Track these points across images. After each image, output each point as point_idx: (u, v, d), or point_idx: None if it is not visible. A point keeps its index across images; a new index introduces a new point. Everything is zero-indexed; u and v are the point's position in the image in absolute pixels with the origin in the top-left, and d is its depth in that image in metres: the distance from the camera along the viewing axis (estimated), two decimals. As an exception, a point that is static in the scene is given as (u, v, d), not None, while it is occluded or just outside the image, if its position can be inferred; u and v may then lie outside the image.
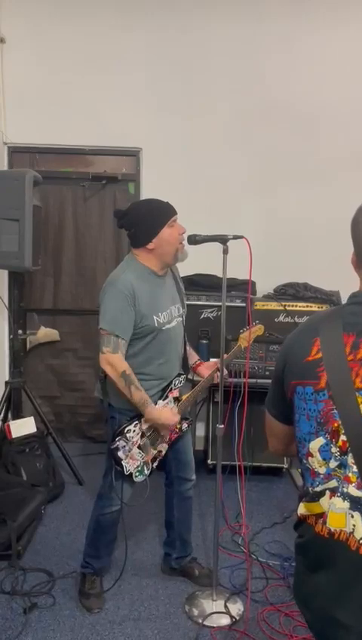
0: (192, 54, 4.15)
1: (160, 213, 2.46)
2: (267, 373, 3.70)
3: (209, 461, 3.91)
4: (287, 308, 3.70)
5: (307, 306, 3.70)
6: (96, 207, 4.44)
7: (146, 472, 2.54)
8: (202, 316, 3.81)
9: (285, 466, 3.98)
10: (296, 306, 3.72)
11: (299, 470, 1.37)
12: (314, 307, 3.69)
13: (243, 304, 3.70)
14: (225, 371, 2.67)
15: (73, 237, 4.47)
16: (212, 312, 3.80)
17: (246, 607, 2.66)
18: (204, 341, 3.74)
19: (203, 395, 4.05)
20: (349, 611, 1.19)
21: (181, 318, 2.62)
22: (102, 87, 4.17)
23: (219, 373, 2.63)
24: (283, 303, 3.71)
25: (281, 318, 3.71)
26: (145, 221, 2.45)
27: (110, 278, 2.46)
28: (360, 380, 1.18)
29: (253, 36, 4.12)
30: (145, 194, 4.15)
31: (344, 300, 1.34)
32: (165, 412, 2.51)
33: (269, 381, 1.47)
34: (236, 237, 2.47)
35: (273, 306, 3.73)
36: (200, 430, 4.20)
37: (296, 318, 3.67)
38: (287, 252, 4.09)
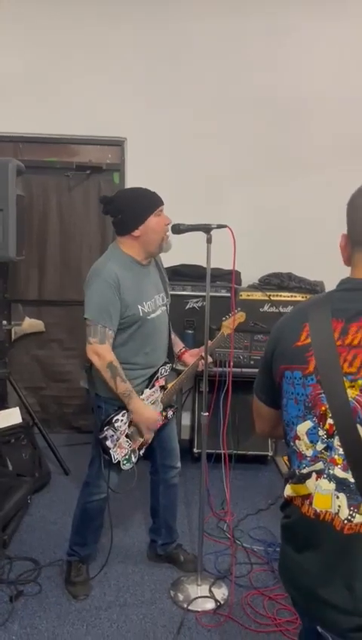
0: (179, 45, 4.12)
1: (147, 201, 2.46)
2: (252, 362, 3.73)
3: (195, 449, 3.94)
4: (272, 298, 3.72)
5: (291, 296, 3.73)
6: (81, 197, 4.41)
7: (133, 459, 2.56)
8: (187, 306, 3.82)
9: (270, 453, 4.02)
10: (281, 295, 3.74)
11: (286, 456, 1.39)
12: (299, 297, 3.72)
13: (228, 294, 3.71)
14: (210, 359, 2.68)
15: (58, 227, 4.44)
16: (197, 302, 3.81)
17: (230, 591, 2.71)
18: (190, 331, 3.75)
19: (189, 385, 4.08)
20: (334, 590, 1.22)
21: (165, 307, 2.63)
22: (87, 76, 4.13)
23: (203, 361, 2.65)
24: (268, 293, 3.73)
25: (266, 308, 3.73)
26: (133, 208, 2.44)
27: (94, 268, 2.45)
28: (348, 365, 1.20)
29: (241, 27, 4.10)
30: (130, 184, 4.13)
31: (328, 289, 1.35)
32: (149, 410, 2.52)
33: (254, 370, 1.49)
34: (220, 226, 2.48)
35: (258, 296, 3.74)
36: (186, 419, 4.23)
37: (280, 308, 3.70)
38: (272, 242, 4.10)
